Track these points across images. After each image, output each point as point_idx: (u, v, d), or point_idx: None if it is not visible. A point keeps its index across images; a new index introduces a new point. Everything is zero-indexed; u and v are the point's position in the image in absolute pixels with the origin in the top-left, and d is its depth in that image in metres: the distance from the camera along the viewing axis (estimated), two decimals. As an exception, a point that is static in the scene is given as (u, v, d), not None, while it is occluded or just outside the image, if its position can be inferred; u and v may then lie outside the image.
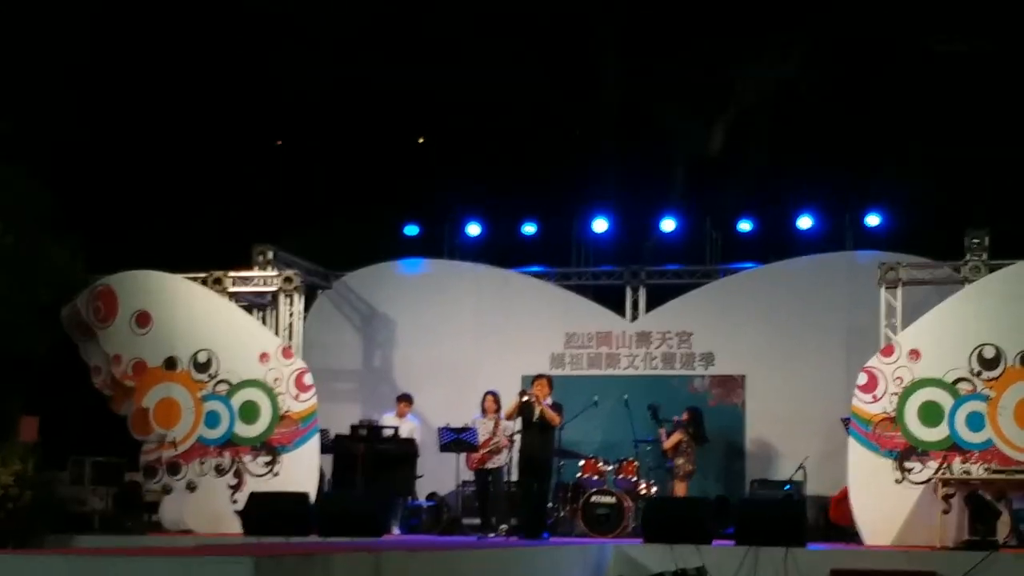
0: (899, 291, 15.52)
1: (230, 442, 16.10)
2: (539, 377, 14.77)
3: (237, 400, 16.13)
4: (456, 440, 15.27)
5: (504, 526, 15.15)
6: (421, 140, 21.52)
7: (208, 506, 15.91)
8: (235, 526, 14.87)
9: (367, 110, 19.83)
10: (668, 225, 18.98)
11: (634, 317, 18.64)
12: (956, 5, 17.98)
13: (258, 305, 17.52)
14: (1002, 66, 18.05)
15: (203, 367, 16.26)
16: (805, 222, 18.60)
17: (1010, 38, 17.77)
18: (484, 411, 15.48)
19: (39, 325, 15.88)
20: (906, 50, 18.51)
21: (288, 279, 16.93)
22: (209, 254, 17.19)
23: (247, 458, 16.04)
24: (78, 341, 16.67)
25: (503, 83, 19.31)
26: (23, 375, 15.96)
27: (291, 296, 16.98)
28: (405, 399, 16.86)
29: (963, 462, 14.36)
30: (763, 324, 17.82)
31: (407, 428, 16.47)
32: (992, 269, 15.06)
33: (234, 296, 16.91)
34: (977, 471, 14.20)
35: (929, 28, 18.26)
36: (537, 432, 14.28)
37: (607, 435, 17.31)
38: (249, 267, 17.22)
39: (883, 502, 14.49)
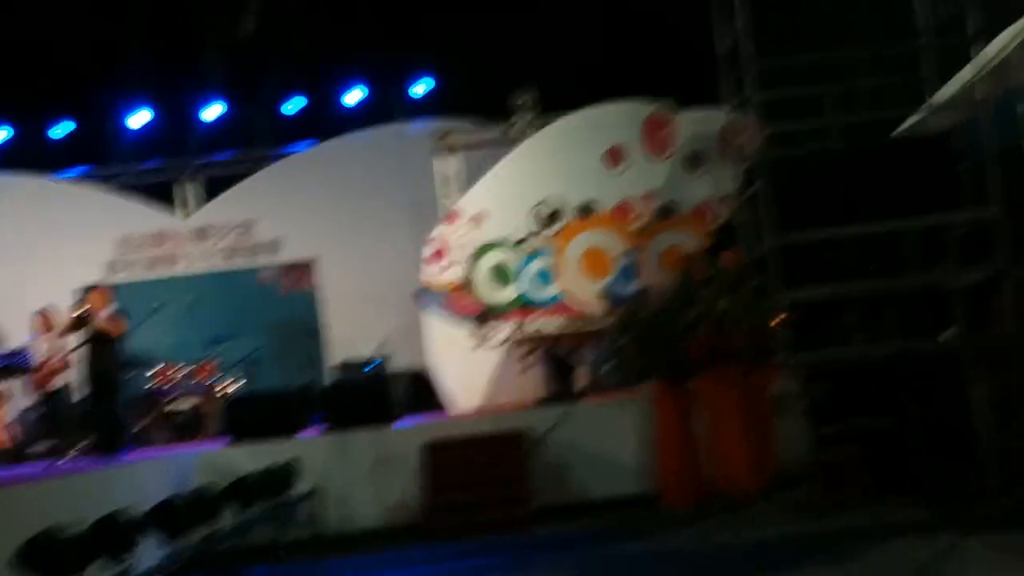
0: (454, 158, 15.46)
1: None
2: (94, 288, 13.80)
3: None
4: (6, 366, 14.05)
5: (78, 447, 14.14)
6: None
7: None
8: None
9: None
10: (212, 112, 18.15)
11: (189, 213, 17.74)
12: None
13: None
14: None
15: None
16: (353, 97, 18.30)
17: None
18: (36, 332, 14.35)
19: None
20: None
21: None
22: None
23: None
24: None
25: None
26: None
27: None
28: None
29: (536, 320, 14.55)
30: (327, 205, 17.43)
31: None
32: (543, 126, 15.22)
33: None
34: (549, 327, 14.43)
35: None
36: (99, 346, 13.35)
37: (179, 338, 16.51)
38: None
39: (466, 368, 14.57)
